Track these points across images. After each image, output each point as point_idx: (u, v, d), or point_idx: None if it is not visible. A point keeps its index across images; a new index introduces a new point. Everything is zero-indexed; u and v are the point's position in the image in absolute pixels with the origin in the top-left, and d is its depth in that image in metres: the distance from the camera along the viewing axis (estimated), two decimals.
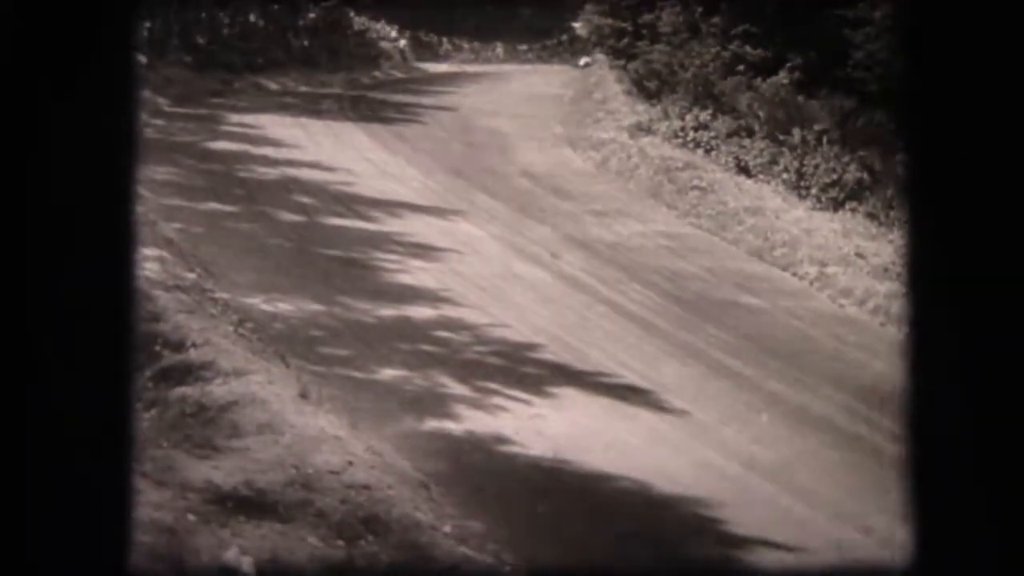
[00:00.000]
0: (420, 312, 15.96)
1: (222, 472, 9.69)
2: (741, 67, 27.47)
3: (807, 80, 25.81)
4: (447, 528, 9.84)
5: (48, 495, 2.97)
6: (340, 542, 8.93)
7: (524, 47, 51.93)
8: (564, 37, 49.75)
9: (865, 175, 23.26)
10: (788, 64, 26.23)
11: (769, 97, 26.15)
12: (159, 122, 27.22)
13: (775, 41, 26.84)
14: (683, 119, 27.83)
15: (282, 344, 14.02)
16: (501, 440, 12.19)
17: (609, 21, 33.01)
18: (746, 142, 26.05)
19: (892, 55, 20.69)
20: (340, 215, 20.85)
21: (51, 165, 2.93)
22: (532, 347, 15.06)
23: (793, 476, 12.08)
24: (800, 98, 25.67)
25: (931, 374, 2.95)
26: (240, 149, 25.70)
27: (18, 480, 2.96)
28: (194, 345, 12.54)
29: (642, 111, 29.76)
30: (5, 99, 2.90)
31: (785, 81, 26.15)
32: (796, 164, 24.39)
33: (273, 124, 29.10)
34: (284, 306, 15.55)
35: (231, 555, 8.21)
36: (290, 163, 24.62)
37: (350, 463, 10.41)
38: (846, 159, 23.78)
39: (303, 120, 29.98)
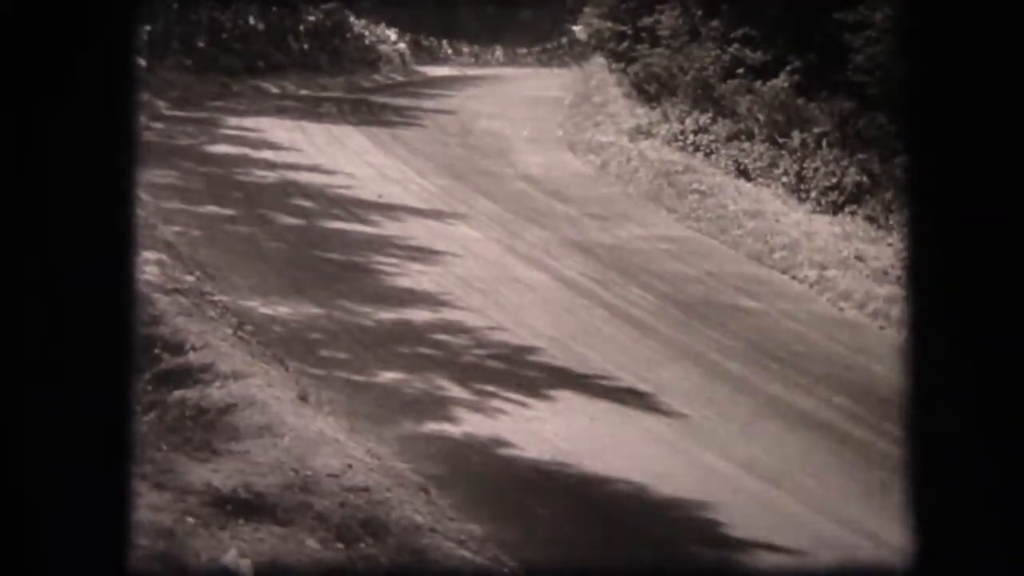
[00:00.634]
0: (419, 315, 15.96)
1: (221, 475, 9.69)
2: (741, 70, 27.47)
3: (807, 83, 25.80)
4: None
5: (48, 497, 2.97)
6: (339, 545, 8.93)
7: (523, 50, 51.98)
8: (563, 40, 49.80)
9: (865, 178, 23.26)
10: (788, 67, 26.23)
11: (769, 100, 26.15)
12: (159, 125, 27.24)
13: (775, 44, 26.85)
14: (683, 122, 27.84)
15: (281, 347, 14.01)
16: (500, 443, 12.19)
17: (608, 24, 33.03)
18: (746, 145, 26.05)
19: (892, 58, 20.70)
20: (339, 218, 20.85)
21: (51, 168, 2.93)
22: (531, 350, 15.06)
23: (792, 479, 12.08)
24: (800, 101, 25.67)
25: (931, 377, 2.95)
26: (239, 152, 25.71)
27: (18, 482, 2.96)
28: (193, 348, 12.53)
29: (642, 114, 29.77)
30: (5, 101, 2.90)
31: (785, 84, 26.15)
32: (796, 167, 24.38)
33: (273, 127, 29.11)
34: (283, 309, 15.55)
35: (230, 558, 8.20)
36: (289, 166, 24.63)
37: (349, 466, 10.40)
38: (846, 162, 23.78)
39: (303, 123, 29.99)
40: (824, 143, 24.51)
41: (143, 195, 18.22)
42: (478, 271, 18.34)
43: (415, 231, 20.30)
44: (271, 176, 23.77)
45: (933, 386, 2.94)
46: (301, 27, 40.95)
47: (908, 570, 2.99)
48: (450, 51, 50.31)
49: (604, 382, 14.23)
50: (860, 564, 10.26)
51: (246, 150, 25.98)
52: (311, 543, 8.80)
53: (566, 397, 13.65)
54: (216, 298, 15.30)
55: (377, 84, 40.96)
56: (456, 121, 31.99)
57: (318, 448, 10.64)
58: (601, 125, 30.51)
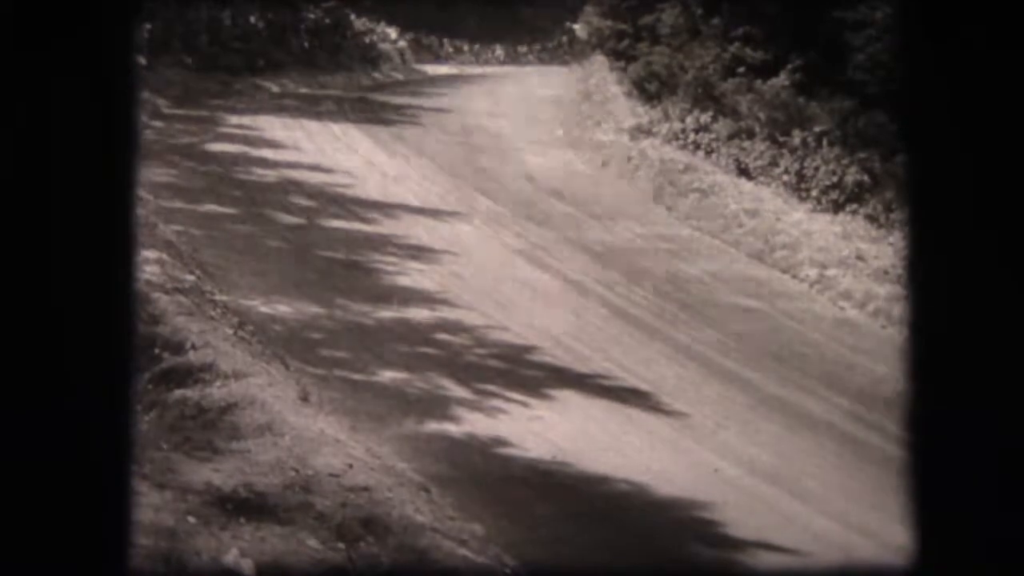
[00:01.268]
0: (419, 314, 15.96)
1: (222, 474, 9.69)
2: (741, 69, 27.47)
3: (807, 82, 25.81)
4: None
5: (47, 497, 2.97)
6: (340, 544, 8.92)
7: (524, 49, 51.99)
8: (564, 39, 49.78)
9: (866, 177, 23.27)
10: (788, 66, 26.23)
11: (769, 99, 26.15)
12: (159, 123, 27.23)
13: (776, 43, 26.85)
14: (683, 121, 27.83)
15: (282, 346, 14.01)
16: (501, 442, 12.19)
17: (609, 23, 33.01)
18: (746, 144, 26.05)
19: (893, 57, 20.70)
20: (339, 217, 20.85)
21: (50, 166, 2.92)
22: (531, 349, 15.06)
23: (793, 479, 12.08)
24: (800, 100, 25.67)
25: (932, 377, 2.94)
26: (240, 151, 25.70)
27: (18, 482, 2.96)
28: (194, 347, 12.53)
29: (642, 113, 29.75)
30: (3, 99, 2.90)
31: (785, 83, 26.16)
32: (796, 166, 24.39)
33: (273, 126, 29.10)
34: (284, 308, 15.55)
35: (231, 558, 8.20)
36: (290, 165, 24.62)
37: (350, 465, 10.40)
38: (846, 161, 23.78)
39: (303, 122, 29.98)
40: (825, 142, 24.52)
41: (143, 193, 18.23)
42: (478, 270, 18.34)
43: (415, 230, 20.30)
44: (271, 174, 23.77)
45: (934, 386, 2.94)
46: (301, 25, 40.94)
47: (908, 570, 2.99)
48: (450, 49, 50.33)
49: (604, 381, 14.23)
50: (860, 564, 10.26)
51: (246, 148, 25.97)
52: (312, 543, 8.80)
53: (567, 396, 13.65)
54: (216, 297, 15.29)
55: (377, 82, 40.95)
56: (456, 120, 31.98)
57: (319, 447, 10.64)
58: (601, 124, 30.50)
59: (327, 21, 42.06)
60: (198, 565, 8.04)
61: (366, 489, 9.99)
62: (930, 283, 2.97)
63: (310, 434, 10.93)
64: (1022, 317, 2.89)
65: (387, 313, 15.85)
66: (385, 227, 20.41)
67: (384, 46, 45.23)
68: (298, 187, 22.78)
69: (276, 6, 39.93)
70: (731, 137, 26.56)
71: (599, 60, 36.26)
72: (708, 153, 26.59)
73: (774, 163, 24.96)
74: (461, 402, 13.11)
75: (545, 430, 12.56)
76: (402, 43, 46.55)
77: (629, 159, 26.52)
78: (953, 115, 2.94)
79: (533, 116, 32.51)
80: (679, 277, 19.06)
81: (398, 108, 33.91)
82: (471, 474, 11.46)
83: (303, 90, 36.48)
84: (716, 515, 11.04)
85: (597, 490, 11.42)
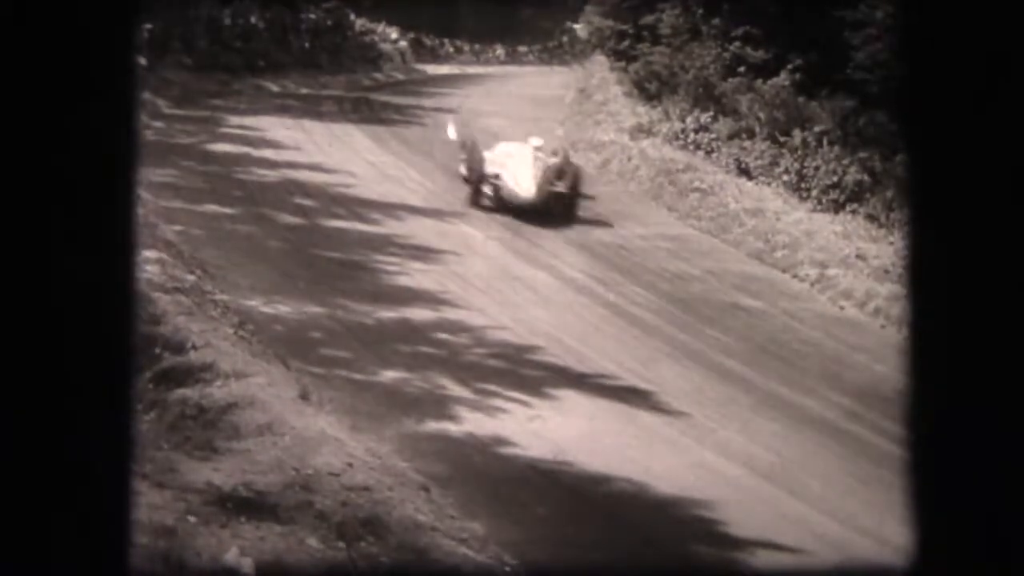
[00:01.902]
0: (420, 314, 15.96)
1: (222, 474, 9.69)
2: (742, 69, 27.47)
3: (808, 82, 25.81)
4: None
5: (48, 496, 2.97)
6: (340, 544, 8.93)
7: (524, 49, 51.97)
8: (564, 39, 49.78)
9: (866, 177, 23.26)
10: (789, 66, 26.24)
11: (770, 99, 26.15)
12: (159, 124, 27.22)
13: (776, 43, 26.85)
14: (684, 121, 27.83)
15: (282, 346, 14.01)
16: (501, 442, 12.19)
17: (609, 23, 33.01)
18: (747, 144, 26.04)
19: (893, 56, 20.71)
20: (340, 217, 20.85)
21: (51, 167, 2.93)
22: (532, 349, 15.06)
23: (793, 477, 12.08)
24: (801, 100, 25.67)
25: (932, 376, 2.94)
26: (240, 151, 25.69)
27: (18, 481, 2.96)
28: (194, 347, 12.53)
29: (642, 113, 29.75)
30: (4, 101, 2.90)
31: (786, 83, 26.16)
32: (797, 166, 24.39)
33: (273, 126, 29.09)
34: (284, 308, 15.55)
35: (231, 556, 8.21)
36: (290, 165, 24.61)
37: (350, 465, 10.40)
38: (847, 161, 23.78)
39: (303, 122, 29.98)
40: (825, 141, 24.51)
41: (143, 194, 18.22)
42: (478, 270, 18.34)
43: (416, 230, 20.29)
44: (272, 175, 23.76)
45: (934, 385, 2.94)
46: (302, 25, 40.93)
47: (908, 570, 2.99)
48: (451, 49, 50.30)
49: (605, 381, 14.23)
50: (860, 564, 10.26)
51: (246, 149, 25.96)
52: (312, 542, 8.80)
53: (567, 396, 13.65)
54: (217, 297, 15.29)
55: (378, 82, 40.93)
56: (457, 120, 31.99)
57: (319, 447, 10.64)
58: (602, 123, 30.49)
59: (328, 21, 42.05)
60: (198, 564, 8.05)
61: (366, 488, 10.00)
62: (930, 282, 2.97)
63: (310, 433, 10.93)
64: (1021, 316, 2.89)
65: (387, 313, 15.85)
66: (386, 227, 20.41)
67: (385, 46, 45.23)
68: (299, 187, 22.78)
69: (276, 6, 39.92)
70: (731, 137, 26.56)
71: (599, 60, 36.27)
72: (708, 153, 26.58)
73: (774, 163, 24.95)
74: (461, 401, 13.11)
75: (545, 429, 12.56)
76: (403, 43, 46.53)
77: (629, 159, 26.52)
78: (954, 114, 2.94)
79: (534, 115, 32.48)
80: (679, 276, 19.06)
81: (399, 108, 33.90)
82: (471, 473, 11.46)
83: (304, 90, 36.47)
84: (717, 514, 11.04)
85: (598, 490, 11.42)
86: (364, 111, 33.19)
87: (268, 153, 25.62)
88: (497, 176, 21.44)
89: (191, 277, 15.74)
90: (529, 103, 35.29)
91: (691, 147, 26.96)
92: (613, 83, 33.90)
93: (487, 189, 21.58)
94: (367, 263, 18.24)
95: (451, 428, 12.42)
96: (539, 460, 11.84)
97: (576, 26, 43.90)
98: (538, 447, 12.09)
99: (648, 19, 30.89)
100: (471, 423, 12.56)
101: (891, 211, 21.70)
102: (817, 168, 24.03)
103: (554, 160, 22.32)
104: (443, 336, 15.26)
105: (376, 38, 45.00)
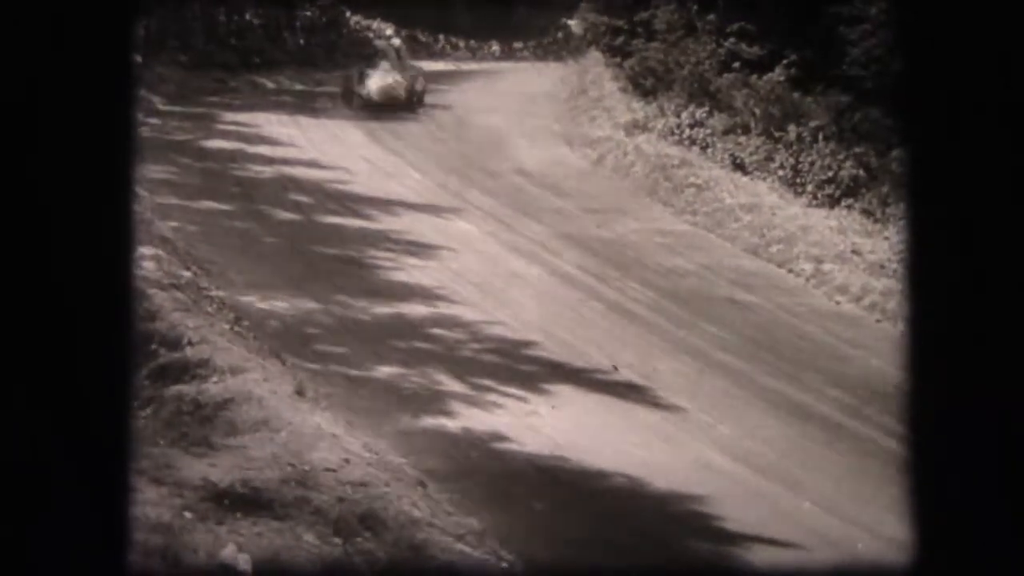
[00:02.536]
0: (415, 310, 15.97)
1: (219, 469, 9.69)
2: (737, 64, 27.44)
3: (803, 77, 25.78)
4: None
5: (45, 493, 2.97)
6: (337, 539, 8.93)
7: (520, 45, 51.89)
8: (559, 35, 49.72)
9: (861, 172, 23.25)
10: (784, 61, 26.20)
11: (765, 94, 26.12)
12: (155, 121, 27.20)
13: (771, 38, 26.82)
14: (679, 116, 27.81)
15: (278, 342, 14.02)
16: (497, 437, 12.20)
17: (604, 19, 32.96)
18: (742, 139, 26.03)
19: (888, 52, 20.70)
20: (336, 213, 20.85)
21: (48, 164, 2.93)
22: (528, 344, 15.06)
23: (789, 472, 12.09)
24: (796, 95, 25.64)
25: (928, 371, 2.95)
26: (236, 147, 25.69)
27: (16, 479, 2.96)
28: (190, 343, 12.53)
29: (638, 108, 29.73)
30: (2, 98, 2.90)
31: (781, 78, 26.13)
32: (792, 161, 24.37)
33: (269, 122, 29.09)
34: (280, 304, 15.55)
35: (228, 552, 8.21)
36: (286, 161, 24.62)
37: (347, 460, 10.41)
38: (842, 156, 23.76)
39: (299, 118, 29.97)
40: (820, 137, 24.50)
41: (140, 190, 18.21)
42: (474, 265, 18.34)
43: (411, 225, 20.29)
44: (267, 171, 23.76)
45: (930, 380, 2.95)
46: (297, 22, 40.89)
47: (907, 567, 2.99)
48: (446, 46, 50.22)
49: (601, 376, 14.23)
50: (859, 563, 10.26)
51: (242, 145, 25.96)
52: (309, 537, 8.81)
53: (563, 391, 13.66)
54: (213, 293, 15.30)
55: None
56: (452, 116, 31.96)
57: (315, 443, 10.65)
58: (597, 119, 30.47)
59: (323, 19, 42.02)
60: (195, 560, 8.05)
61: (363, 484, 10.00)
62: (926, 277, 2.97)
63: (306, 429, 10.94)
64: (1018, 311, 2.90)
65: (383, 308, 15.85)
66: (382, 223, 20.41)
67: (380, 43, 45.17)
68: (295, 183, 22.78)
69: (272, 4, 39.90)
70: (727, 132, 26.55)
71: (595, 56, 36.22)
72: (703, 148, 26.56)
73: (770, 158, 24.93)
74: (457, 397, 13.11)
75: (541, 424, 12.57)
76: (397, 40, 46.48)
77: (625, 154, 26.51)
78: (949, 109, 2.95)
79: (529, 112, 32.48)
80: (675, 272, 19.06)
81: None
82: (468, 469, 11.46)
83: (299, 87, 36.45)
84: (713, 509, 11.05)
85: (594, 485, 11.42)
86: (359, 107, 33.14)
87: (263, 149, 25.62)
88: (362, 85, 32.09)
89: (187, 273, 15.74)
90: (524, 99, 35.26)
91: (686, 143, 26.94)
92: (608, 79, 33.87)
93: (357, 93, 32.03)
94: (363, 259, 18.24)
95: (447, 423, 12.43)
96: (536, 455, 11.84)
97: (571, 22, 43.84)
98: (534, 442, 12.10)
99: (643, 15, 30.85)
100: (467, 418, 12.56)
101: (886, 206, 21.69)
102: (812, 163, 24.01)
103: (398, 75, 32.94)
104: (439, 332, 15.27)
105: (371, 35, 44.96)
